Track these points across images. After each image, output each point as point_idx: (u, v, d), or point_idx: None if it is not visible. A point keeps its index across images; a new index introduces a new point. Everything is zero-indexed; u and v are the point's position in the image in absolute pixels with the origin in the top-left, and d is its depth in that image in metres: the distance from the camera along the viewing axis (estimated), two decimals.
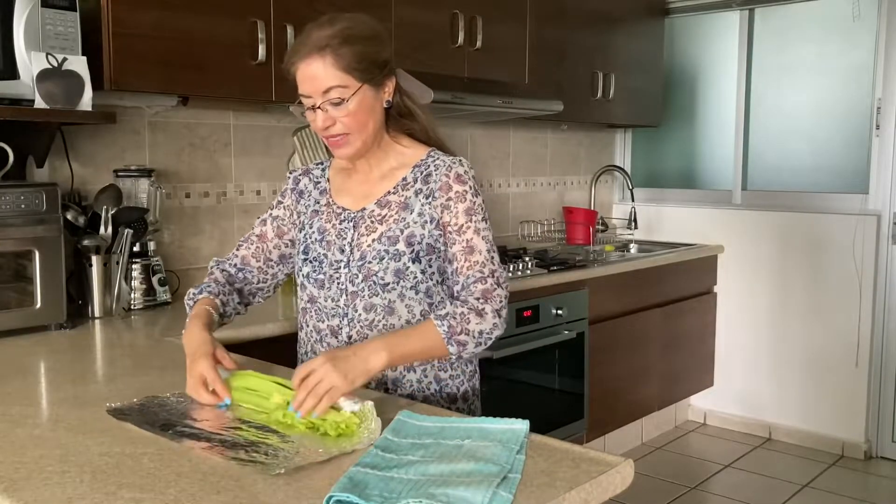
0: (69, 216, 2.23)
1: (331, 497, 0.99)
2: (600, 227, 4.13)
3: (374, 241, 1.54)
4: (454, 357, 1.47)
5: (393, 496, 1.00)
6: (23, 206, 2.00)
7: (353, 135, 1.50)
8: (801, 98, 4.02)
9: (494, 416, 1.26)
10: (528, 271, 3.11)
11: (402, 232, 1.53)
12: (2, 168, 2.08)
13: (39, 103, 1.99)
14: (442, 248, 1.54)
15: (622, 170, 4.40)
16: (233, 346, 1.95)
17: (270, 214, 1.70)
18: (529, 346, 3.00)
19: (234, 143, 2.81)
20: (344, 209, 1.60)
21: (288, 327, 2.16)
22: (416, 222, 1.53)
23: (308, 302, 1.61)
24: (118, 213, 2.31)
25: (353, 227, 1.57)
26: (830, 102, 3.93)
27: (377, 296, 1.53)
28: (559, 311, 3.13)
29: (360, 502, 0.98)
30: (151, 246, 2.47)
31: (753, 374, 4.09)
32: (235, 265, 1.69)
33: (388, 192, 1.57)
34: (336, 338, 1.57)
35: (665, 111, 4.36)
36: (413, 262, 1.52)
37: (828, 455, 3.82)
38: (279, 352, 1.85)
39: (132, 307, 2.39)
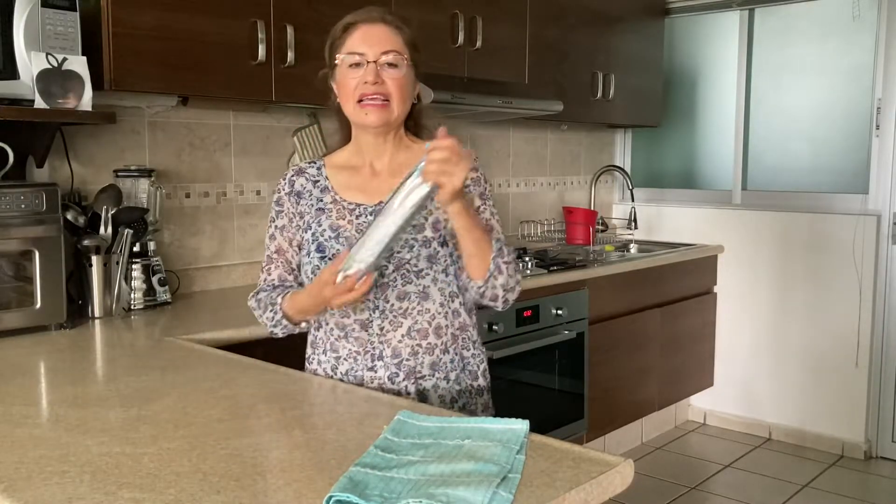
0: (69, 216, 2.23)
1: (331, 497, 0.99)
2: (600, 227, 4.13)
3: None
4: (488, 274, 1.50)
5: (393, 496, 1.00)
6: (23, 206, 1.99)
7: (393, 102, 1.53)
8: (801, 98, 4.02)
9: (494, 416, 1.26)
10: (528, 271, 3.11)
11: (426, 219, 1.56)
12: (2, 168, 2.08)
13: (39, 103, 1.99)
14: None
15: (622, 170, 4.40)
16: (233, 347, 1.96)
17: (275, 226, 1.65)
18: (529, 346, 2.99)
19: (234, 143, 2.81)
20: (358, 205, 1.59)
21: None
22: (437, 208, 1.54)
23: None
24: (118, 213, 2.31)
25: None
26: (830, 102, 3.93)
27: (411, 283, 1.55)
28: (559, 311, 3.13)
29: (360, 502, 0.98)
30: (151, 246, 2.46)
31: (753, 375, 4.09)
32: (272, 285, 1.66)
33: None
34: (367, 331, 1.57)
35: (665, 111, 4.35)
36: (442, 246, 1.57)
37: (828, 455, 3.82)
38: (282, 352, 1.84)
39: (132, 307, 2.39)
